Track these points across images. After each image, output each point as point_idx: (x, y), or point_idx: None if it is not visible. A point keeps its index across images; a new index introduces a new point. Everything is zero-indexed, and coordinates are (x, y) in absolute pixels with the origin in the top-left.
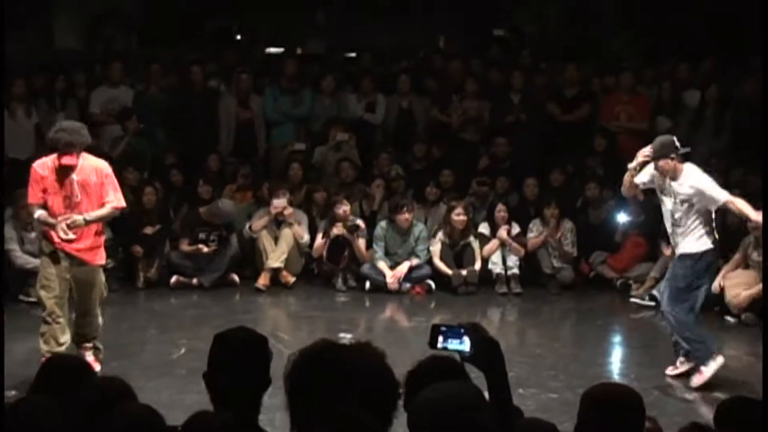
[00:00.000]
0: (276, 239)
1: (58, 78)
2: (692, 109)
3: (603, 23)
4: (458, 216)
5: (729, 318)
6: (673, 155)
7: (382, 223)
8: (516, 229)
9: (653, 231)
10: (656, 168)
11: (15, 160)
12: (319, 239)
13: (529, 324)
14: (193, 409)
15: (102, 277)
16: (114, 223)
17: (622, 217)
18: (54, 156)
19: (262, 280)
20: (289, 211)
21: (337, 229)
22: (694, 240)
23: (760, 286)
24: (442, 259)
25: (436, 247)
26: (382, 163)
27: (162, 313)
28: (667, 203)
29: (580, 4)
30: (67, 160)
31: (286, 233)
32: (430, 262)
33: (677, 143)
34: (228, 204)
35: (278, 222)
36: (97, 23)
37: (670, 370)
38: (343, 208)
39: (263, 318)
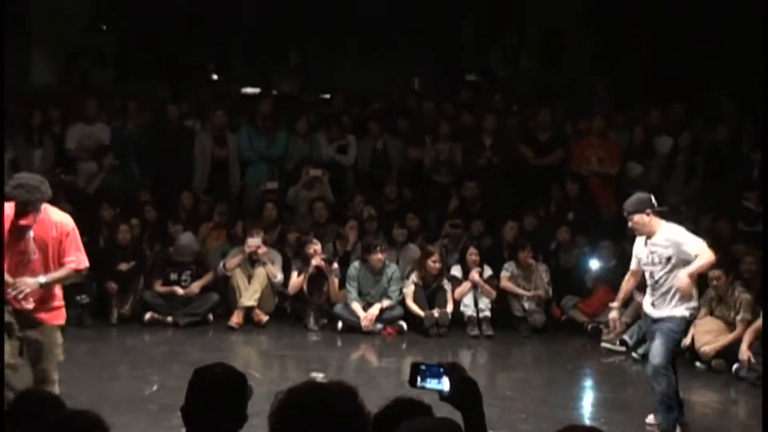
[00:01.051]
0: (250, 278)
1: (34, 113)
2: (663, 155)
3: (575, 67)
4: (434, 263)
5: (699, 364)
6: (648, 210)
7: (356, 264)
8: (488, 271)
9: (621, 276)
10: (631, 224)
11: None
12: (295, 277)
13: (500, 366)
14: None
15: (60, 338)
16: (89, 258)
17: (593, 263)
18: (12, 204)
19: (235, 319)
20: (263, 250)
21: (315, 261)
22: (678, 304)
23: (728, 336)
24: (415, 300)
25: (409, 289)
26: (356, 205)
27: (134, 349)
28: (647, 267)
29: (552, 48)
30: (24, 221)
31: (260, 272)
32: (402, 302)
33: (654, 201)
34: (186, 238)
35: (252, 261)
36: (73, 59)
37: (650, 419)
38: (314, 247)
39: (235, 356)
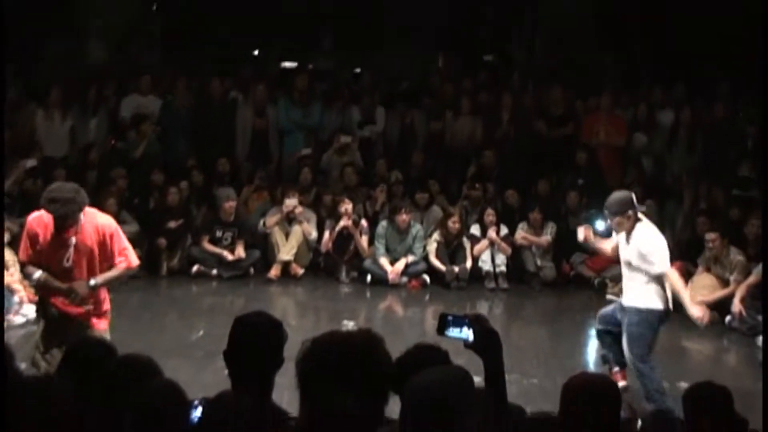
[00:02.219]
0: (287, 235)
1: (90, 87)
2: (666, 128)
3: (585, 50)
4: (454, 224)
5: None
6: (629, 212)
7: (383, 223)
8: (504, 230)
9: None
10: (611, 222)
11: (51, 158)
12: (327, 235)
13: (514, 317)
14: (210, 387)
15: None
16: (140, 217)
17: (599, 225)
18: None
19: (274, 272)
20: (299, 209)
21: (344, 221)
22: (642, 295)
23: (722, 291)
24: (437, 256)
25: (432, 246)
26: (381, 170)
27: (182, 299)
28: (622, 251)
29: (564, 33)
30: (65, 234)
31: (296, 230)
32: (425, 258)
33: (634, 201)
34: (223, 190)
35: (289, 219)
36: (125, 39)
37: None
38: (346, 206)
39: (274, 305)
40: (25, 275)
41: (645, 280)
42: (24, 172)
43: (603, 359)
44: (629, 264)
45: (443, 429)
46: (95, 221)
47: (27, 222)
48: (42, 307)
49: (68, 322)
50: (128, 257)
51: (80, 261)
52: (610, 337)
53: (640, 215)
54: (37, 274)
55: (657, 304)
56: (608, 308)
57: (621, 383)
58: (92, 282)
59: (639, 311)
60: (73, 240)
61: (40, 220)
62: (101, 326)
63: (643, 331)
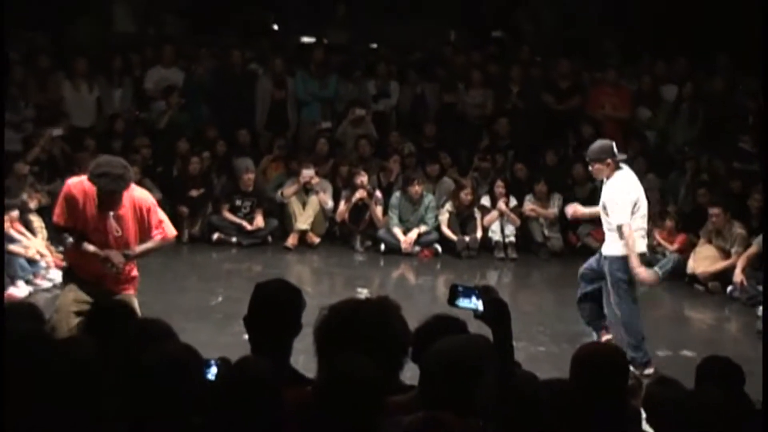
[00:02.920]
0: (304, 204)
1: (115, 58)
2: (670, 102)
3: (590, 25)
4: (466, 195)
5: (697, 286)
6: (608, 160)
7: (397, 194)
8: (513, 202)
9: None
10: (590, 168)
11: (78, 128)
12: (342, 205)
13: (522, 285)
14: (228, 349)
15: (136, 303)
16: (163, 185)
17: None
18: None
19: (291, 240)
20: (316, 180)
21: (359, 193)
22: (612, 242)
23: (724, 263)
24: (449, 226)
25: (444, 216)
26: (394, 141)
27: (202, 264)
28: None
29: (570, 8)
30: (110, 209)
31: (313, 199)
32: (437, 228)
33: (615, 150)
34: (241, 161)
35: (306, 189)
36: (151, 10)
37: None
38: (361, 178)
39: (290, 272)
40: (61, 238)
41: (611, 228)
42: (50, 140)
43: (592, 326)
44: (604, 207)
45: (464, 390)
46: (132, 195)
47: (66, 186)
48: (70, 273)
49: (96, 289)
50: (165, 229)
51: (122, 230)
52: (588, 302)
53: (622, 165)
54: (70, 239)
55: (617, 251)
56: (587, 263)
57: (607, 337)
58: (128, 252)
59: (617, 258)
60: (127, 212)
61: (80, 186)
62: (133, 290)
63: (623, 276)
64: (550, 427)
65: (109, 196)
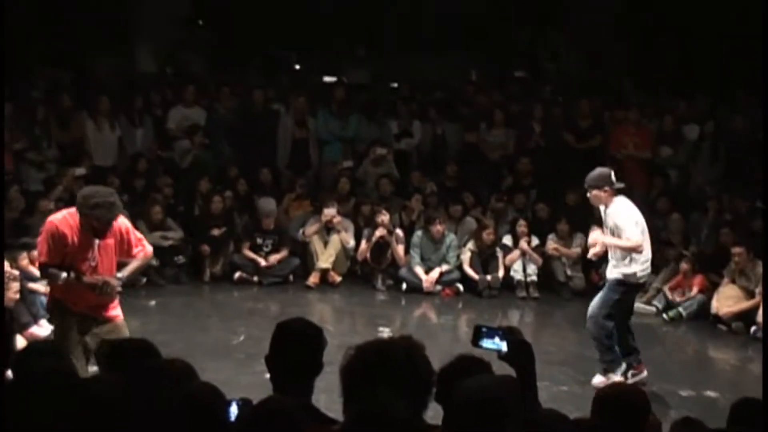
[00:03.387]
0: (326, 243)
1: (136, 98)
2: (691, 141)
3: (612, 64)
4: (488, 235)
5: (721, 326)
6: (606, 188)
7: (418, 233)
8: (535, 241)
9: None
10: (589, 195)
11: (100, 167)
12: (364, 244)
13: (544, 325)
14: (249, 389)
15: (126, 329)
16: (185, 224)
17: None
18: (72, 212)
19: (313, 279)
20: (337, 219)
21: (379, 232)
22: (620, 268)
23: (747, 303)
24: (471, 265)
25: (466, 255)
26: (415, 180)
27: (224, 304)
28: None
29: (592, 48)
30: (105, 238)
31: (335, 238)
32: (459, 267)
33: (613, 178)
34: (265, 201)
35: (328, 228)
36: (173, 50)
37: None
38: (382, 217)
39: (312, 311)
40: (49, 276)
41: (619, 254)
42: (73, 179)
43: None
44: (611, 233)
45: (492, 430)
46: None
47: (50, 224)
48: (60, 309)
49: (87, 320)
50: (144, 246)
51: (103, 258)
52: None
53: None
54: (64, 274)
55: (620, 277)
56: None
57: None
58: (119, 275)
59: (617, 281)
60: (96, 241)
61: (65, 221)
62: (121, 317)
63: (610, 295)
64: None
65: (107, 225)
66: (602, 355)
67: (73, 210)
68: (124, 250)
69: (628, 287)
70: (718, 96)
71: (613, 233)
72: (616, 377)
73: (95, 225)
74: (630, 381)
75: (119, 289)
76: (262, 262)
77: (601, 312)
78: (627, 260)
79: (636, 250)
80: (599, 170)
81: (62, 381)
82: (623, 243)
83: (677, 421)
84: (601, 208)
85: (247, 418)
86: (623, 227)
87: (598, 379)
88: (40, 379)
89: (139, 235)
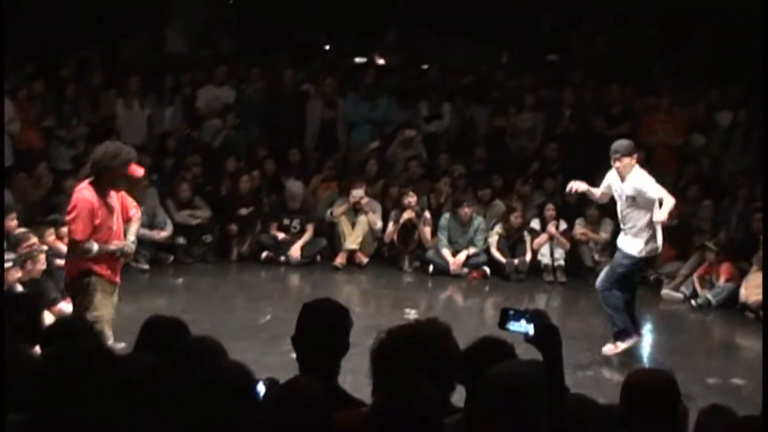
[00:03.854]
0: (353, 224)
1: (167, 77)
2: (723, 128)
3: (645, 50)
4: (516, 218)
5: (748, 314)
6: (635, 155)
7: (446, 215)
8: (563, 225)
9: (683, 234)
10: (619, 164)
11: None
12: (391, 225)
13: (571, 310)
14: (275, 369)
15: None
16: (212, 204)
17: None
18: (88, 186)
19: (340, 259)
20: (365, 200)
21: (407, 214)
22: (636, 242)
23: None
24: (498, 249)
25: (493, 239)
26: (444, 163)
27: (251, 284)
28: (618, 204)
29: (625, 33)
30: (114, 204)
31: (362, 220)
32: (486, 250)
33: (633, 146)
34: (293, 184)
35: (356, 210)
36: (204, 31)
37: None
38: (410, 199)
39: (339, 292)
40: (85, 252)
41: (639, 224)
42: None
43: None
44: (632, 201)
45: (519, 416)
46: None
47: (83, 201)
48: (93, 281)
49: (112, 286)
50: (137, 206)
51: (118, 223)
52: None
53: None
54: (96, 245)
55: (632, 251)
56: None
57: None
58: (132, 238)
59: (628, 255)
60: (116, 204)
61: (91, 194)
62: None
63: (616, 267)
64: None
65: (133, 166)
66: (613, 325)
67: (86, 184)
68: (126, 211)
69: (637, 262)
70: (751, 83)
71: (634, 200)
72: (625, 346)
73: (127, 174)
74: (623, 347)
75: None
76: (291, 250)
77: (609, 285)
78: (646, 234)
79: (659, 203)
80: (621, 141)
81: (97, 359)
82: (668, 206)
83: (705, 408)
84: (614, 182)
85: (274, 398)
86: (645, 190)
87: (608, 348)
88: (75, 357)
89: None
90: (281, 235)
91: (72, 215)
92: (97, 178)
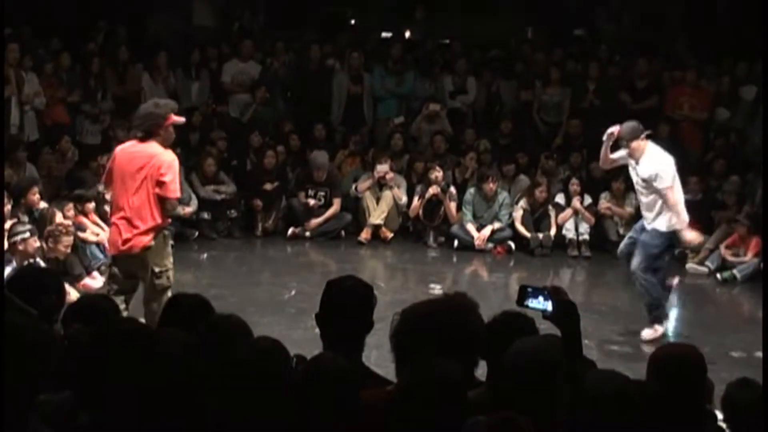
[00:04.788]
0: (378, 200)
1: (193, 51)
2: (748, 102)
3: (671, 25)
4: (541, 193)
5: None
6: (642, 136)
7: (471, 190)
8: (588, 200)
9: (707, 208)
10: (628, 150)
11: None
12: (416, 201)
13: (596, 284)
14: (301, 344)
15: None
16: (238, 179)
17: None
18: (137, 141)
19: (364, 234)
20: (390, 175)
21: (433, 189)
22: (661, 218)
23: None
24: (523, 223)
25: (518, 213)
26: (469, 138)
27: (276, 259)
28: (634, 178)
29: (650, 8)
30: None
31: (387, 195)
32: (511, 225)
33: (641, 127)
34: (319, 155)
35: (380, 185)
36: (230, 4)
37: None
38: (436, 173)
39: (364, 267)
40: (174, 208)
41: (655, 204)
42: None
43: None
44: (646, 183)
45: (542, 391)
46: None
47: (174, 159)
48: (164, 233)
49: None
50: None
51: None
52: None
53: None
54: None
55: (662, 227)
56: (624, 243)
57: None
58: None
59: (660, 233)
60: None
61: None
62: None
63: (649, 245)
64: (627, 427)
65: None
66: (649, 308)
67: (134, 142)
68: None
69: (667, 239)
70: None
71: (647, 181)
72: (662, 328)
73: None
74: (661, 330)
75: None
76: (311, 222)
77: (643, 266)
78: (669, 211)
79: (664, 196)
80: (629, 124)
81: (137, 336)
82: (671, 200)
83: (734, 381)
84: (631, 162)
85: (303, 375)
86: (658, 175)
87: (647, 332)
88: (116, 335)
89: None
90: (311, 201)
91: (170, 175)
92: (147, 134)
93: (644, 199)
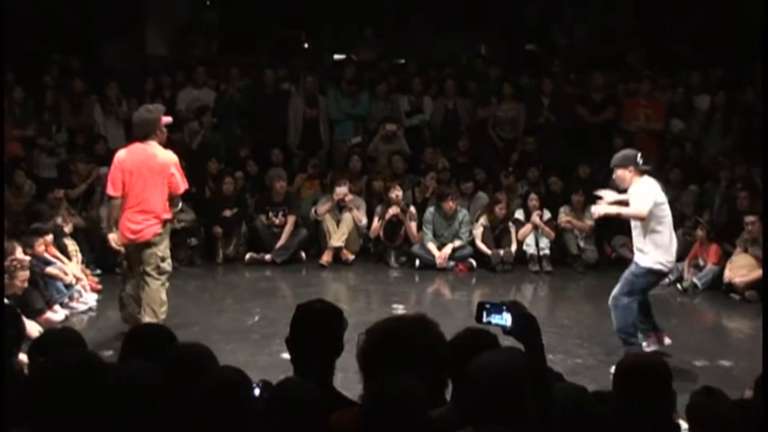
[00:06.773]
0: (338, 222)
1: (147, 80)
2: (703, 112)
3: (625, 38)
4: (500, 209)
5: (734, 295)
6: (631, 167)
7: (431, 209)
8: (547, 214)
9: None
10: (614, 176)
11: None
12: (376, 222)
13: (558, 299)
14: (266, 370)
15: None
16: (196, 206)
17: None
18: (139, 144)
19: (326, 257)
20: (349, 197)
21: (393, 210)
22: (648, 255)
23: (759, 272)
24: (483, 240)
25: (478, 231)
26: (428, 157)
27: (238, 285)
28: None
29: (605, 21)
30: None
31: (347, 217)
32: (471, 243)
33: (639, 159)
34: (274, 170)
35: (340, 207)
36: (183, 33)
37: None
38: (396, 192)
39: (326, 290)
40: (179, 202)
41: (643, 240)
42: (99, 178)
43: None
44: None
45: (509, 404)
46: None
47: (174, 157)
48: (167, 227)
49: None
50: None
51: None
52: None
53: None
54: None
55: (647, 263)
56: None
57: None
58: None
59: (646, 269)
60: None
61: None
62: None
63: (632, 278)
64: None
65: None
66: (625, 343)
67: (138, 145)
68: None
69: (658, 276)
70: (730, 67)
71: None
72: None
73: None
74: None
75: None
76: (276, 221)
77: (627, 297)
78: (661, 249)
79: (638, 216)
80: (625, 151)
81: (90, 368)
82: (625, 210)
83: (697, 390)
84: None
85: (269, 401)
86: (635, 198)
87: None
88: (67, 367)
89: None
90: (276, 220)
91: (178, 173)
92: (146, 138)
93: (634, 233)
